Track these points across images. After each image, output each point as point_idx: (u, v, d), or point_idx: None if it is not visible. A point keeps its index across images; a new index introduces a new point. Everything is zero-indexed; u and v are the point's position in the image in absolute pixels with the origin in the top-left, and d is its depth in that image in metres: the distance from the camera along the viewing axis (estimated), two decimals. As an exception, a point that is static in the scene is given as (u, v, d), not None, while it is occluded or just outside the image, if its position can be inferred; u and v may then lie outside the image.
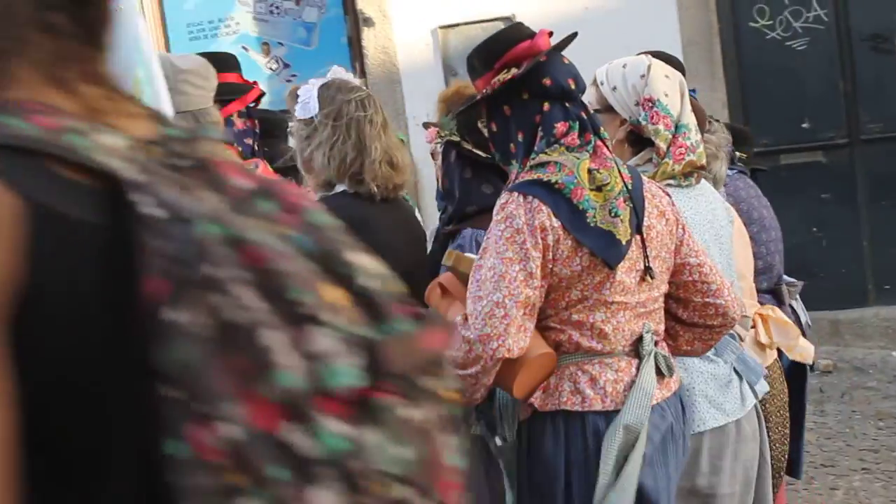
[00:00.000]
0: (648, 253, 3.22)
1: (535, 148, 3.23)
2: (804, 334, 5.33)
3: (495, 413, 3.38)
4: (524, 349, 3.06)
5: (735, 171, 5.29)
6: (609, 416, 3.14)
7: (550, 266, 3.09)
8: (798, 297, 5.44)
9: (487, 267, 3.09)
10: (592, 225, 3.11)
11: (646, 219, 3.24)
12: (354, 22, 9.84)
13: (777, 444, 4.45)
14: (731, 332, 3.67)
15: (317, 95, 3.87)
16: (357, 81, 4.04)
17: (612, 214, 3.13)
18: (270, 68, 10.28)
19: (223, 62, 4.65)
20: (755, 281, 4.90)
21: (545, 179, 3.12)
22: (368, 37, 9.73)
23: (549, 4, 9.46)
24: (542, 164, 3.18)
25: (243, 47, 10.28)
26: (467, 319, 3.07)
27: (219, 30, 10.34)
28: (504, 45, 3.30)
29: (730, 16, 9.43)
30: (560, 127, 3.21)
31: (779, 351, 4.90)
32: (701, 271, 3.37)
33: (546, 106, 3.23)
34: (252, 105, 4.64)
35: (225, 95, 4.40)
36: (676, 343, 3.47)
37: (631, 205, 3.18)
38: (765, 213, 5.23)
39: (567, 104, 3.24)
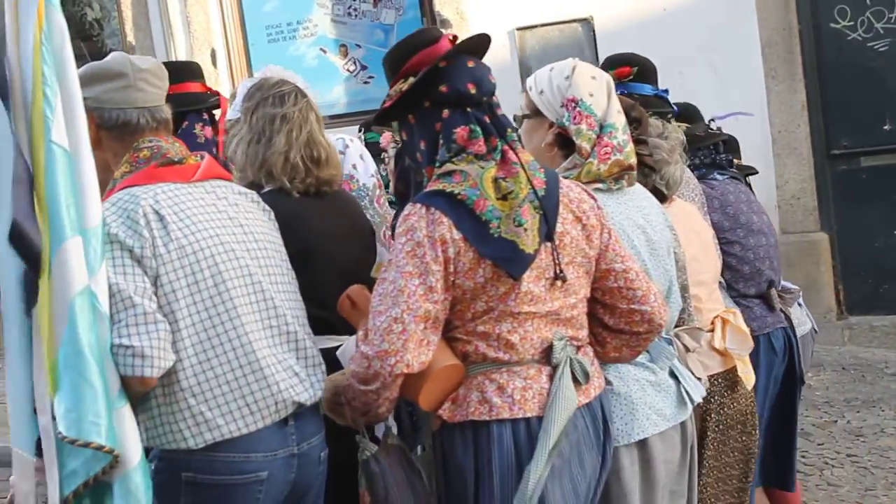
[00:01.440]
0: (560, 260, 3.20)
1: (438, 157, 3.22)
2: (813, 339, 5.39)
3: (407, 423, 3.46)
4: (426, 363, 3.06)
5: (726, 176, 5.29)
6: (517, 423, 3.14)
7: (453, 279, 3.09)
8: (801, 303, 5.42)
9: (389, 281, 3.09)
10: (496, 236, 3.08)
11: (560, 225, 3.21)
12: (431, 23, 9.91)
13: (735, 452, 4.42)
14: (668, 338, 3.68)
15: (243, 96, 3.93)
16: (289, 76, 4.03)
17: (516, 224, 3.10)
18: (348, 70, 10.35)
19: (188, 71, 4.82)
20: (742, 286, 5.01)
21: (447, 191, 3.11)
22: (445, 38, 9.76)
23: (627, 5, 9.44)
24: (448, 174, 3.17)
25: (321, 49, 10.38)
26: (367, 335, 3.09)
27: (297, 32, 10.45)
28: (405, 52, 3.30)
29: (810, 16, 9.34)
30: (460, 132, 3.18)
31: (769, 363, 4.94)
32: (626, 277, 3.34)
33: (445, 113, 3.20)
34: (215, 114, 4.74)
35: (189, 105, 4.58)
36: (604, 349, 3.45)
37: (541, 211, 3.16)
38: (754, 218, 5.18)
39: (468, 109, 3.20)
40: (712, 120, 5.58)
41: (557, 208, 3.20)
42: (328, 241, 3.58)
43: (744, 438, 4.42)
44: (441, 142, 3.20)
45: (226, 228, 3.30)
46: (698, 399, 3.69)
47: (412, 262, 3.07)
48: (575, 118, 3.60)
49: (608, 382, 3.46)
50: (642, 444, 3.51)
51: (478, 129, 3.18)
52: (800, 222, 9.36)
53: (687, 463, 3.73)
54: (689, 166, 5.01)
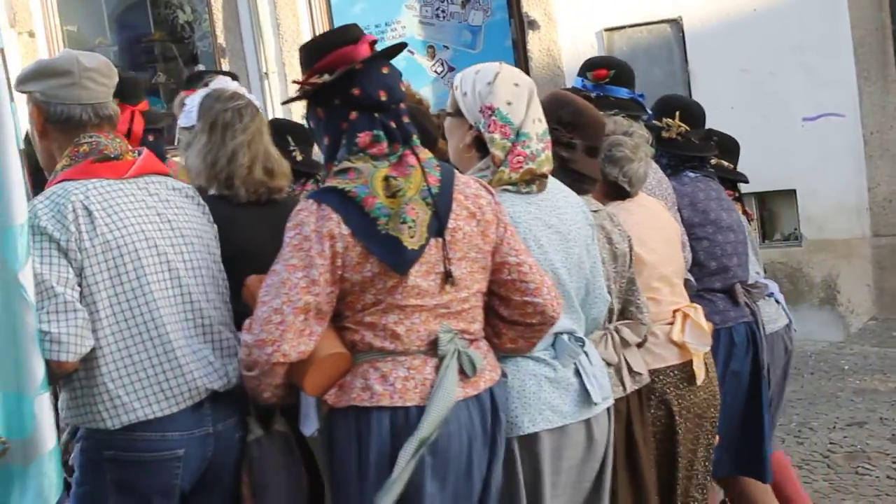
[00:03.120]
0: (452, 255, 3.32)
1: (338, 155, 3.36)
2: (789, 335, 5.48)
3: (303, 406, 3.56)
4: (306, 352, 3.21)
5: (699, 174, 5.41)
6: (396, 411, 3.26)
7: (341, 272, 3.23)
8: (779, 299, 5.56)
9: (274, 273, 3.25)
10: (383, 233, 3.22)
11: (452, 221, 3.33)
12: (519, 25, 9.91)
13: (698, 443, 4.54)
14: (580, 336, 3.75)
15: (198, 106, 4.11)
16: (242, 90, 4.26)
17: (401, 221, 3.24)
18: (435, 71, 10.41)
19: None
20: (708, 281, 5.14)
21: (339, 188, 3.25)
22: (533, 39, 9.79)
23: (717, 5, 9.38)
24: (344, 171, 3.31)
25: (409, 51, 10.43)
26: (251, 324, 3.25)
27: (385, 34, 10.52)
28: (325, 47, 3.41)
29: (904, 16, 9.17)
30: (363, 137, 3.32)
31: (727, 355, 5.07)
32: (520, 270, 3.45)
33: (353, 115, 3.33)
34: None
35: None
36: (501, 341, 3.56)
37: (434, 209, 3.28)
38: (724, 216, 5.30)
39: (377, 114, 3.33)
40: (713, 134, 5.67)
41: (450, 205, 3.33)
42: (259, 246, 3.68)
43: (704, 430, 4.54)
44: (344, 142, 3.34)
45: (152, 224, 3.52)
46: (598, 399, 3.72)
47: (297, 255, 3.21)
48: (490, 126, 3.68)
49: (503, 375, 3.54)
50: (532, 438, 3.58)
51: (381, 134, 3.32)
52: (892, 225, 9.25)
53: (596, 459, 3.78)
54: (661, 165, 5.22)
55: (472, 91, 3.74)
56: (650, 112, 5.41)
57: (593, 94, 5.20)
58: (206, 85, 4.31)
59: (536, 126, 3.73)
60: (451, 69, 10.37)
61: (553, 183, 3.83)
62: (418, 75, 10.43)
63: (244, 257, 3.71)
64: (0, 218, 3.11)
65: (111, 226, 3.42)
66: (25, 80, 3.63)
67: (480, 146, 3.73)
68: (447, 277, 3.32)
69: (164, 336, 3.44)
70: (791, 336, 5.53)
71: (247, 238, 3.83)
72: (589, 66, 5.44)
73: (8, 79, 3.26)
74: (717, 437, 4.70)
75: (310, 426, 3.57)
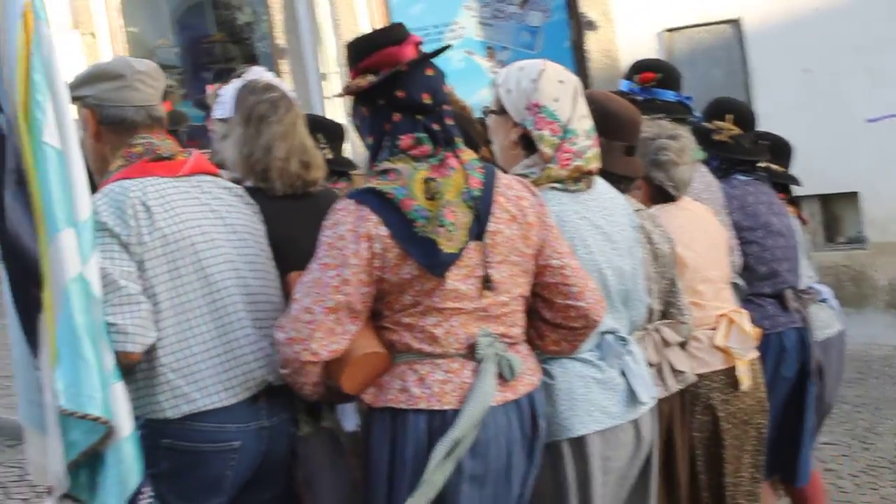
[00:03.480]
0: (491, 259, 3.31)
1: (379, 156, 3.37)
2: (843, 341, 5.46)
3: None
4: (338, 351, 3.23)
5: (750, 178, 5.38)
6: (433, 415, 3.26)
7: (379, 273, 3.23)
8: (832, 305, 5.55)
9: (309, 271, 3.28)
10: (420, 235, 3.22)
11: (493, 224, 3.32)
12: (578, 26, 9.89)
13: (746, 448, 4.52)
14: (624, 336, 3.75)
15: (232, 96, 4.15)
16: (276, 81, 4.28)
17: (439, 224, 3.23)
18: (494, 72, 10.38)
19: None
20: (757, 285, 5.11)
21: (378, 188, 3.26)
22: (592, 40, 9.75)
23: (778, 5, 9.31)
24: (385, 172, 3.31)
25: (467, 52, 10.45)
26: (283, 322, 3.31)
27: (444, 34, 10.54)
28: (370, 47, 3.41)
29: (970, 16, 9.05)
30: (405, 139, 3.32)
31: (776, 360, 5.06)
32: (563, 273, 3.44)
33: (396, 116, 3.34)
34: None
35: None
36: (544, 343, 3.55)
37: (475, 212, 3.28)
38: (774, 220, 5.28)
39: (419, 116, 3.34)
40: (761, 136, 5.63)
41: (490, 208, 3.32)
42: (294, 239, 3.72)
43: (750, 436, 4.52)
44: (386, 143, 3.35)
45: (207, 219, 3.62)
46: (646, 399, 3.72)
47: (331, 253, 3.23)
48: (538, 123, 3.67)
49: (551, 377, 3.56)
50: (581, 441, 3.57)
51: (424, 136, 3.32)
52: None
53: (641, 459, 3.78)
54: (710, 170, 5.19)
55: (516, 88, 3.73)
56: (698, 115, 5.40)
57: (640, 97, 5.21)
58: (240, 76, 4.35)
59: (583, 123, 3.72)
60: (510, 70, 10.35)
61: (600, 183, 3.83)
62: (476, 76, 10.43)
63: (278, 250, 3.76)
64: (66, 214, 3.21)
65: (168, 221, 3.51)
66: (78, 84, 3.72)
67: (525, 143, 3.72)
68: (486, 281, 3.31)
69: (223, 327, 3.53)
70: (844, 341, 5.50)
71: (282, 231, 3.85)
72: (636, 69, 5.44)
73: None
74: None
75: (350, 421, 3.65)
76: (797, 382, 5.16)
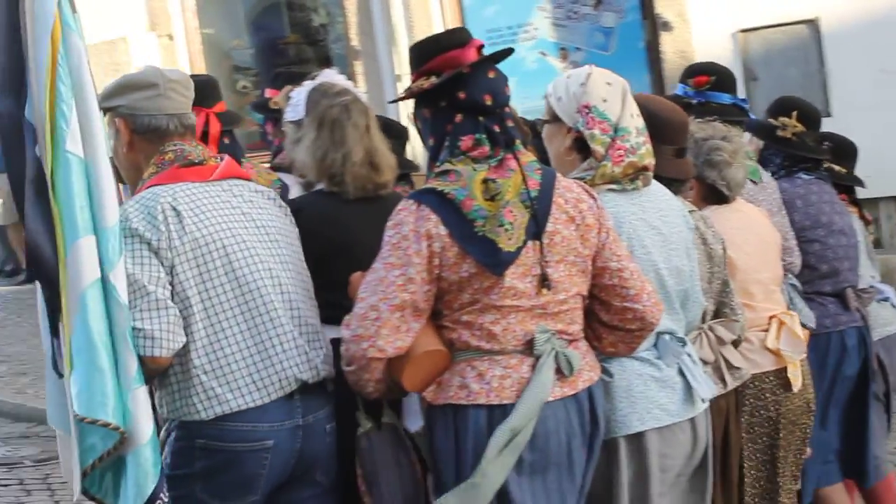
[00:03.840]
0: (549, 258, 3.39)
1: (441, 157, 3.46)
2: None
3: (407, 402, 3.70)
4: (403, 348, 3.33)
5: (813, 176, 5.43)
6: (493, 409, 3.34)
7: (438, 272, 3.34)
8: (894, 303, 5.59)
9: (373, 270, 3.38)
10: (479, 234, 3.31)
11: (551, 224, 3.40)
12: (652, 26, 9.85)
13: (791, 448, 4.59)
14: (681, 337, 3.81)
15: (305, 100, 4.23)
16: (348, 84, 4.37)
17: (498, 224, 3.32)
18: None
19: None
20: (820, 283, 5.20)
21: (439, 189, 3.36)
22: (666, 41, 9.72)
23: (855, 5, 9.21)
24: (445, 173, 3.41)
25: (541, 53, 10.45)
26: (349, 321, 3.38)
27: (517, 35, 10.54)
28: (434, 50, 3.51)
29: None
30: (466, 140, 3.42)
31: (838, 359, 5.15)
32: (621, 275, 3.51)
33: (458, 117, 3.44)
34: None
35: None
36: (601, 344, 3.63)
37: (532, 212, 3.36)
38: (836, 219, 5.34)
39: (481, 118, 3.42)
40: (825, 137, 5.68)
41: (549, 209, 3.40)
42: (361, 242, 3.80)
43: (795, 437, 4.58)
44: (447, 143, 3.44)
45: (238, 222, 3.69)
46: (706, 396, 3.80)
47: (395, 253, 3.34)
48: (588, 123, 3.76)
49: (609, 374, 3.63)
50: (639, 437, 3.64)
51: (484, 137, 3.42)
52: None
53: (697, 458, 3.84)
54: (773, 165, 5.34)
55: (566, 94, 3.84)
56: (753, 116, 5.52)
57: (694, 101, 5.31)
58: (313, 79, 4.41)
59: (635, 121, 3.81)
60: (583, 71, 10.31)
61: (656, 185, 3.90)
62: (550, 77, 10.32)
63: (347, 252, 3.85)
64: (87, 222, 3.31)
65: (199, 225, 3.60)
66: (110, 95, 3.83)
67: (580, 148, 3.81)
68: (543, 280, 3.38)
69: (256, 328, 3.61)
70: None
71: (350, 233, 3.95)
72: (690, 73, 5.55)
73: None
74: (809, 451, 4.76)
75: (414, 422, 3.70)
76: (859, 381, 5.21)
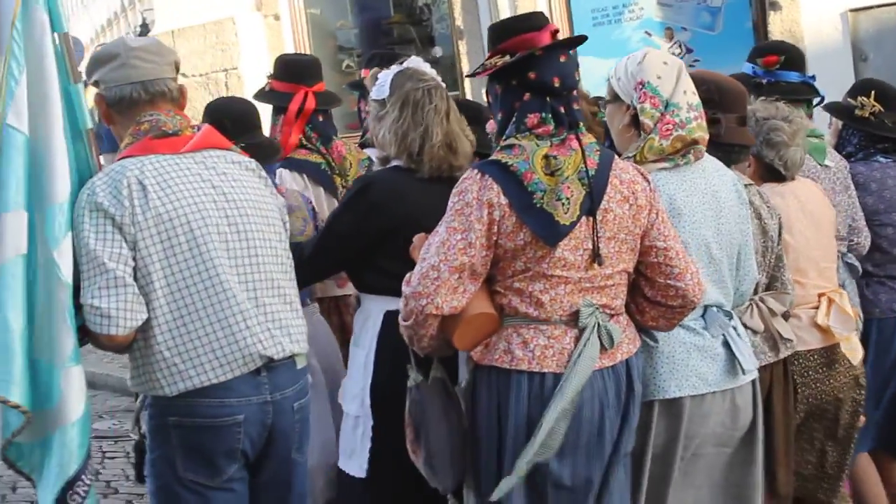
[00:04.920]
0: (601, 234, 3.55)
1: (507, 131, 3.63)
2: None
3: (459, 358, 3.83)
4: (458, 308, 3.50)
5: (891, 159, 5.49)
6: (534, 377, 3.52)
7: (496, 238, 3.52)
8: None
9: (437, 233, 3.55)
10: (538, 206, 3.49)
11: (605, 202, 3.57)
12: (760, 6, 9.74)
13: (827, 427, 4.68)
14: (728, 311, 3.95)
15: (390, 81, 4.40)
16: (431, 72, 4.54)
17: (556, 198, 3.49)
18: (673, 53, 10.25)
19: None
20: (892, 267, 5.33)
21: (503, 161, 3.54)
22: (775, 21, 9.59)
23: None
24: (510, 146, 3.60)
25: (646, 32, 10.39)
26: (410, 279, 3.54)
27: (622, 15, 10.49)
28: (510, 31, 3.69)
29: None
30: (532, 118, 3.61)
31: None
32: (667, 255, 3.68)
33: (527, 96, 3.62)
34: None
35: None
36: (643, 318, 3.79)
37: (588, 189, 3.51)
38: None
39: (548, 98, 3.60)
40: None
41: (605, 187, 3.58)
42: (427, 217, 3.88)
43: (840, 414, 4.67)
44: (514, 120, 3.62)
45: (206, 195, 3.72)
46: (749, 368, 3.94)
47: (458, 219, 3.53)
48: (640, 98, 3.95)
49: (654, 340, 3.81)
50: (675, 403, 3.83)
51: (549, 117, 3.60)
52: None
53: (740, 428, 3.98)
54: (850, 146, 5.46)
55: (624, 74, 4.04)
56: (823, 93, 5.58)
57: (764, 81, 5.45)
58: (401, 63, 4.56)
59: (688, 97, 3.99)
60: (689, 51, 10.25)
61: (709, 159, 4.06)
62: (655, 57, 10.33)
63: (414, 227, 3.94)
64: (21, 196, 3.34)
65: (164, 199, 3.63)
66: (88, 72, 3.90)
67: (637, 124, 4.01)
68: (595, 255, 3.56)
69: (217, 305, 3.65)
70: None
71: (419, 209, 4.09)
72: (759, 53, 5.67)
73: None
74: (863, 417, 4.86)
75: (459, 376, 3.85)
76: None
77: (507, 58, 3.65)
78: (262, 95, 6.15)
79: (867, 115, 5.47)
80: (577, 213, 3.54)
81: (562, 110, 3.63)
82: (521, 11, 10.71)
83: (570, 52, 3.73)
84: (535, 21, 3.74)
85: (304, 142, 5.92)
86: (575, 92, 3.71)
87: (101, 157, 3.87)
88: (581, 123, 3.69)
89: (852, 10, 9.53)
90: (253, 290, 3.74)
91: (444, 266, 3.50)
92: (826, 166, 5.24)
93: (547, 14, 10.90)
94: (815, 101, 5.66)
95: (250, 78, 11.25)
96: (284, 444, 3.87)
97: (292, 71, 6.06)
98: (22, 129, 3.37)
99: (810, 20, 9.61)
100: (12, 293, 3.32)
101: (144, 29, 18.24)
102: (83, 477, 3.46)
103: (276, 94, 5.99)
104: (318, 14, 12.54)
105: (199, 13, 12.13)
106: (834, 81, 6.16)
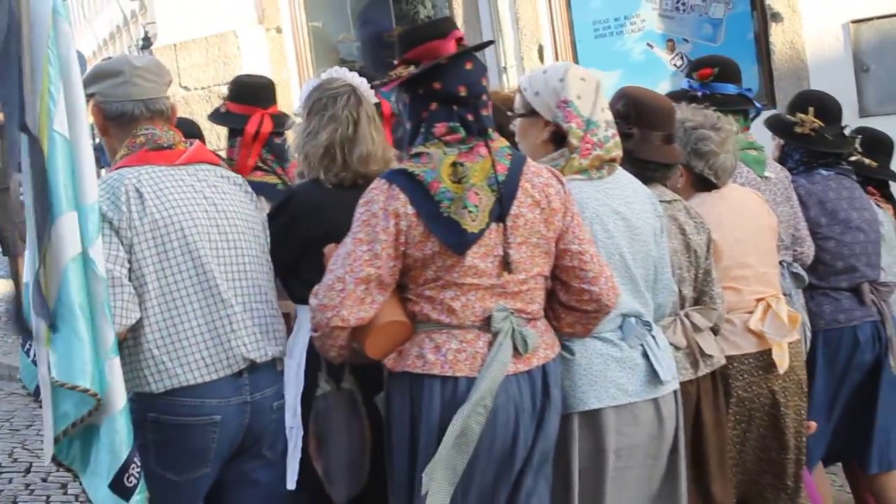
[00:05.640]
0: (512, 240, 3.57)
1: (416, 140, 3.64)
2: None
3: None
4: (365, 319, 3.52)
5: (832, 172, 5.53)
6: (446, 381, 3.53)
7: (404, 248, 3.54)
8: None
9: (344, 244, 3.58)
10: (445, 215, 3.50)
11: (515, 208, 3.58)
12: (762, 17, 9.76)
13: (766, 430, 4.71)
14: (647, 321, 3.95)
15: (307, 94, 4.48)
16: (354, 79, 4.56)
17: (463, 206, 3.50)
18: (675, 65, 10.33)
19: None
20: (835, 279, 5.32)
21: (409, 170, 3.56)
22: (776, 32, 9.61)
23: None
24: (417, 155, 3.61)
25: (648, 44, 10.41)
26: (317, 290, 3.58)
27: (624, 27, 10.51)
28: (415, 40, 3.70)
29: None
30: (439, 127, 3.62)
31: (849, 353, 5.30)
32: (581, 258, 3.70)
33: (433, 105, 3.63)
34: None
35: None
36: (560, 324, 3.80)
37: (498, 195, 3.53)
38: (854, 215, 5.43)
39: (455, 107, 3.61)
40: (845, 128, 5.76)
41: (515, 193, 3.59)
42: (342, 228, 3.89)
43: (775, 418, 4.69)
44: (422, 130, 3.64)
45: (199, 205, 3.90)
46: (666, 378, 3.93)
47: (364, 230, 3.55)
48: (567, 117, 3.96)
49: (571, 353, 3.81)
50: (595, 414, 3.82)
51: (458, 125, 3.61)
52: None
53: (667, 440, 3.98)
54: (791, 161, 5.49)
55: (545, 89, 4.03)
56: (759, 105, 5.71)
57: (699, 93, 5.52)
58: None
59: (605, 114, 4.03)
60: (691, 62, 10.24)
61: (623, 173, 4.10)
62: (657, 69, 10.37)
63: (326, 238, 3.97)
64: (70, 198, 3.48)
65: (159, 206, 3.81)
66: (87, 84, 3.99)
67: (556, 140, 4.02)
68: (505, 262, 3.57)
69: (207, 308, 3.82)
70: None
71: (336, 217, 4.05)
72: (694, 67, 5.77)
73: None
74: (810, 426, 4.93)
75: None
76: (871, 374, 5.36)
77: (413, 68, 3.67)
78: (218, 117, 6.25)
79: (807, 131, 5.48)
80: (486, 220, 3.56)
81: (469, 118, 3.64)
82: (523, 25, 10.76)
83: (476, 57, 3.74)
84: (440, 28, 3.74)
85: (260, 163, 5.99)
86: (485, 97, 3.70)
87: (103, 171, 3.96)
88: (490, 129, 3.70)
89: (854, 22, 9.54)
90: (241, 295, 3.91)
91: (349, 277, 3.52)
92: (766, 177, 5.29)
93: (549, 26, 10.99)
94: (752, 113, 5.75)
95: (252, 91, 11.26)
96: (258, 442, 4.01)
97: (248, 93, 6.12)
98: (64, 132, 3.51)
99: (812, 31, 9.62)
100: (76, 289, 3.47)
101: (147, 42, 18.26)
102: (136, 459, 3.58)
103: (233, 116, 6.06)
104: (320, 27, 12.57)
105: (202, 27, 12.17)
106: (836, 92, 6.14)
